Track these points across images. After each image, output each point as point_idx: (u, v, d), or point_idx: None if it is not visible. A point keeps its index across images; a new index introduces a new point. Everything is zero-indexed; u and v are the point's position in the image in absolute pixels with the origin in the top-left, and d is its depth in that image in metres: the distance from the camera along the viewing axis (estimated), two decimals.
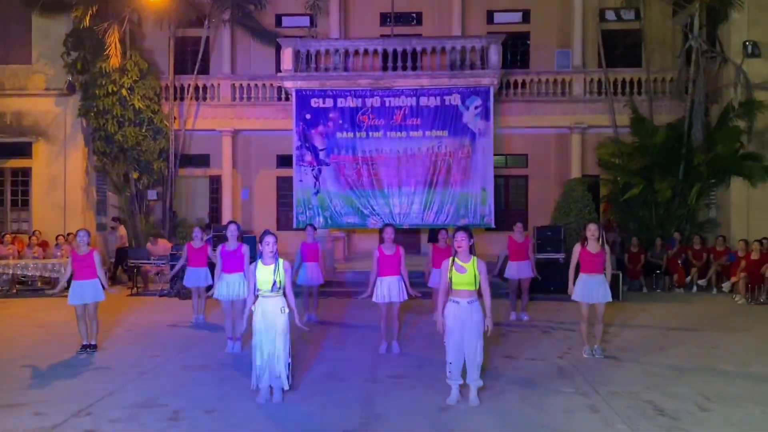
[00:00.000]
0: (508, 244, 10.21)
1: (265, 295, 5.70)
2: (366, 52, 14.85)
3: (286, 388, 5.76)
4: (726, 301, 12.23)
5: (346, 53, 14.88)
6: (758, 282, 12.20)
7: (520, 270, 10.08)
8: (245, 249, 7.97)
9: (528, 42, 18.03)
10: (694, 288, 13.49)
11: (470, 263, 5.59)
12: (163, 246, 13.85)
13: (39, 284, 13.39)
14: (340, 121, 14.61)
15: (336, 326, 9.64)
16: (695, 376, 6.67)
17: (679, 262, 13.65)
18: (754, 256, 12.30)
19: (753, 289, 12.20)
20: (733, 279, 12.53)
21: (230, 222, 8.38)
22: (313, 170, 14.63)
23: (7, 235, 14.02)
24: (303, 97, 14.67)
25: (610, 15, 17.41)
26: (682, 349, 7.92)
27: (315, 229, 10.24)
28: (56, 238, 14.00)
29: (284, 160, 16.70)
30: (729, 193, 15.07)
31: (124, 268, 14.37)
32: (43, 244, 14.11)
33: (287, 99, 15.71)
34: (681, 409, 5.51)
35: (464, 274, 5.56)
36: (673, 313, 10.88)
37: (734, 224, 14.86)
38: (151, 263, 13.50)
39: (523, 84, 16.19)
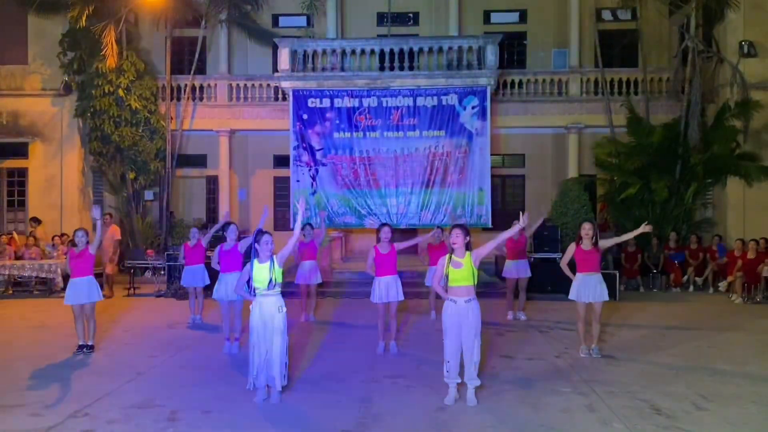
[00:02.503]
0: (505, 243, 10.20)
1: (263, 294, 5.70)
2: (363, 52, 14.84)
3: (281, 388, 5.76)
4: (723, 300, 12.27)
5: (343, 53, 14.87)
6: (755, 281, 12.24)
7: (518, 269, 10.09)
8: (240, 246, 8.04)
9: (525, 42, 18.06)
10: (691, 287, 13.54)
11: (465, 258, 5.63)
12: (112, 231, 13.19)
13: (34, 284, 13.35)
14: (337, 121, 14.59)
15: (333, 326, 9.63)
16: (692, 375, 6.68)
17: (676, 262, 13.69)
18: (751, 255, 12.33)
19: (749, 289, 12.25)
20: (730, 278, 12.58)
21: (229, 222, 8.43)
22: (310, 170, 14.62)
23: (3, 236, 13.97)
24: (300, 97, 14.66)
25: (606, 15, 17.48)
26: (678, 349, 7.94)
27: (313, 228, 10.27)
28: (52, 239, 13.95)
29: (281, 160, 16.69)
30: (725, 193, 15.14)
31: None
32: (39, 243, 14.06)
33: (284, 99, 15.70)
34: (678, 408, 5.52)
35: (460, 269, 5.61)
36: (669, 312, 10.91)
37: (731, 224, 14.92)
38: (148, 264, 13.46)
39: (520, 84, 16.21)
